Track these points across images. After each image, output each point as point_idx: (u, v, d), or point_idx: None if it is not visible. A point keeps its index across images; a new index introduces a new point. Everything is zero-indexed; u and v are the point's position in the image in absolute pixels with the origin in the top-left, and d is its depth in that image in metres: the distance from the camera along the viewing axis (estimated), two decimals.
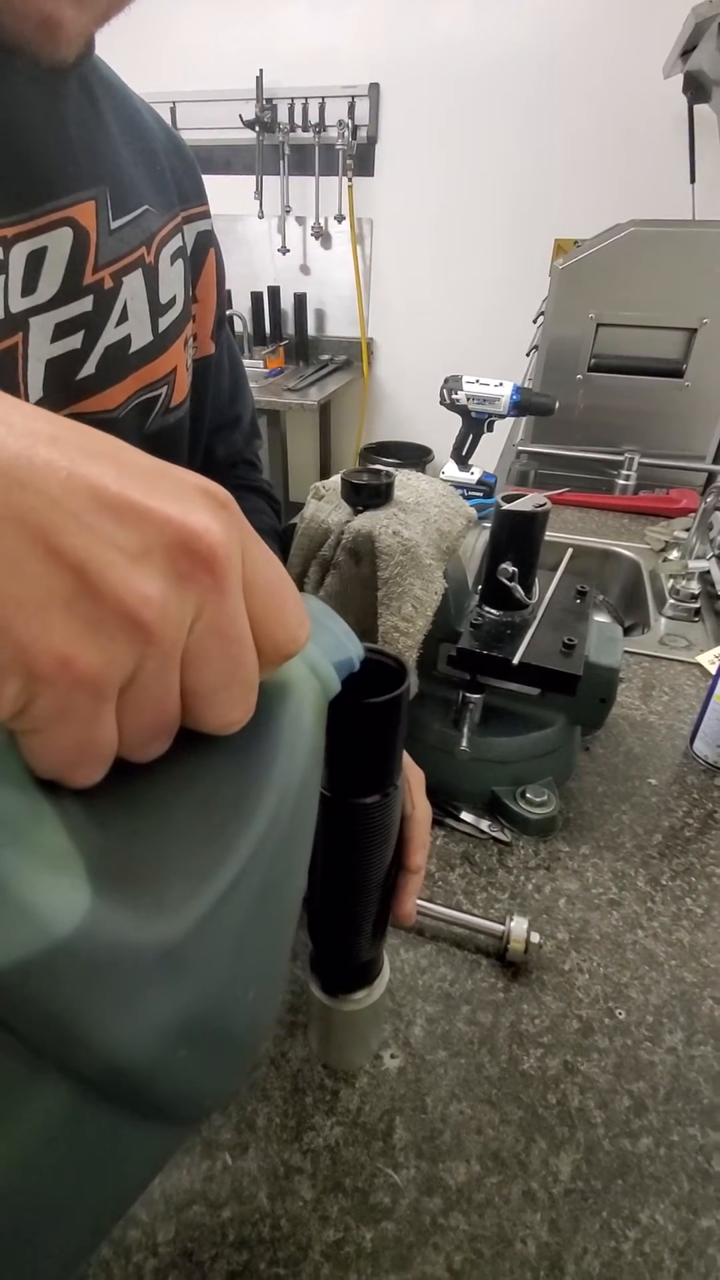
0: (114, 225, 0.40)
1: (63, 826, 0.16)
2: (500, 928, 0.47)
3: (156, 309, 0.44)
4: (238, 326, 2.61)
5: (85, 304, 0.39)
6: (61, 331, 0.38)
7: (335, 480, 0.53)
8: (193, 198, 0.49)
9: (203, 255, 0.51)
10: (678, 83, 1.80)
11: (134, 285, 0.42)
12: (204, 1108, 0.19)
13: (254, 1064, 0.40)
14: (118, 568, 0.14)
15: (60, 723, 0.14)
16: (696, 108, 1.88)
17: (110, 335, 0.41)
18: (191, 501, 0.15)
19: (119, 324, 0.41)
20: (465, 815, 0.58)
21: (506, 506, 0.58)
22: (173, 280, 0.46)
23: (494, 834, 0.57)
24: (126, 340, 0.42)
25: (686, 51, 1.60)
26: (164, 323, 0.45)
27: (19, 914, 0.14)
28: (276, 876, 0.19)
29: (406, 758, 0.39)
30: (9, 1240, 0.15)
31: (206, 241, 0.51)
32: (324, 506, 0.53)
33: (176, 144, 0.49)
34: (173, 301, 0.46)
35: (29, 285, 0.36)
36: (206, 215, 0.51)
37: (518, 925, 0.46)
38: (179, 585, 0.14)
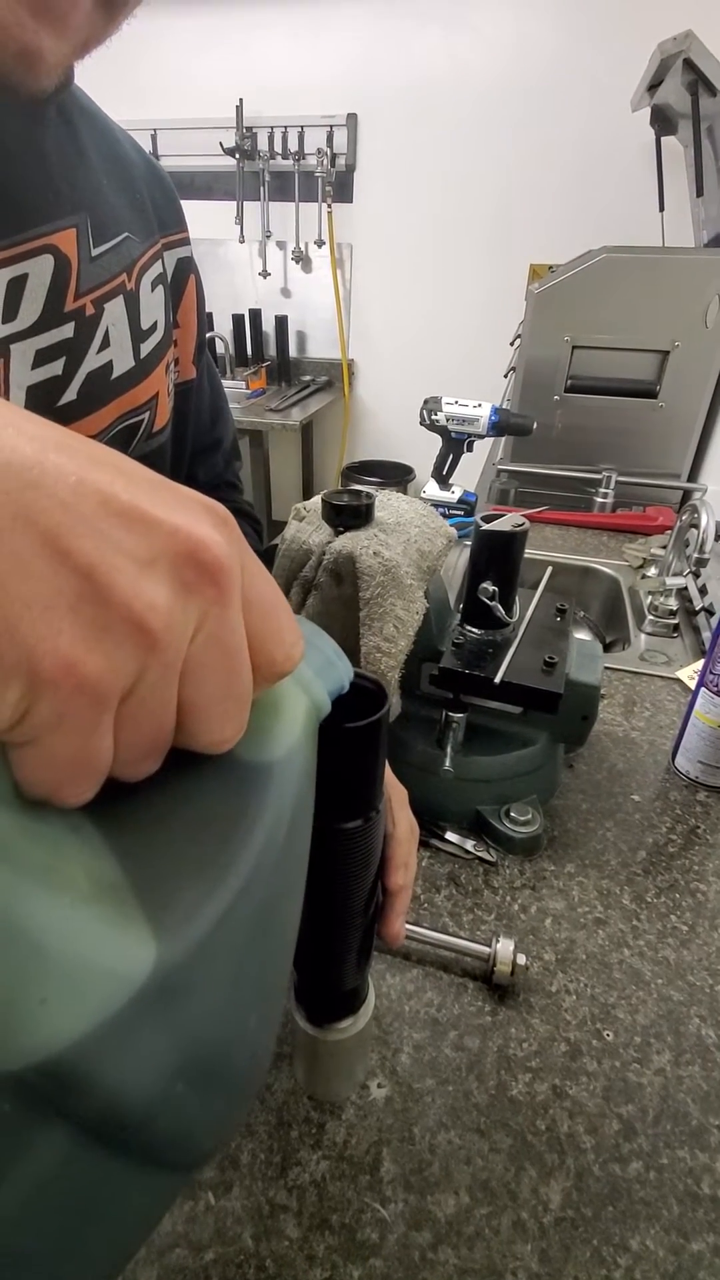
0: (95, 252, 0.40)
1: (107, 855, 0.15)
2: (487, 950, 0.47)
3: (138, 335, 0.45)
4: (220, 348, 2.63)
5: (66, 330, 0.39)
6: (42, 358, 0.38)
7: (316, 501, 0.54)
8: (172, 225, 0.50)
9: (183, 281, 0.51)
10: (646, 115, 1.86)
11: (115, 312, 0.42)
12: (203, 1150, 0.18)
13: (254, 1099, 0.39)
14: (126, 573, 0.14)
15: (58, 732, 0.14)
16: (664, 139, 1.94)
17: (92, 362, 0.41)
18: (196, 514, 0.15)
19: (100, 350, 0.41)
20: (450, 835, 0.58)
21: (485, 527, 0.58)
22: (154, 306, 0.46)
23: (479, 854, 0.56)
24: (108, 366, 0.42)
25: (653, 86, 1.66)
26: (145, 349, 0.46)
27: (77, 986, 0.13)
28: (275, 897, 0.18)
29: (389, 775, 0.39)
30: None
31: (186, 268, 0.51)
32: (305, 528, 0.53)
33: (156, 172, 0.49)
34: (154, 327, 0.46)
35: (10, 312, 0.36)
36: (186, 242, 0.52)
37: (504, 947, 0.46)
38: (184, 595, 0.14)
